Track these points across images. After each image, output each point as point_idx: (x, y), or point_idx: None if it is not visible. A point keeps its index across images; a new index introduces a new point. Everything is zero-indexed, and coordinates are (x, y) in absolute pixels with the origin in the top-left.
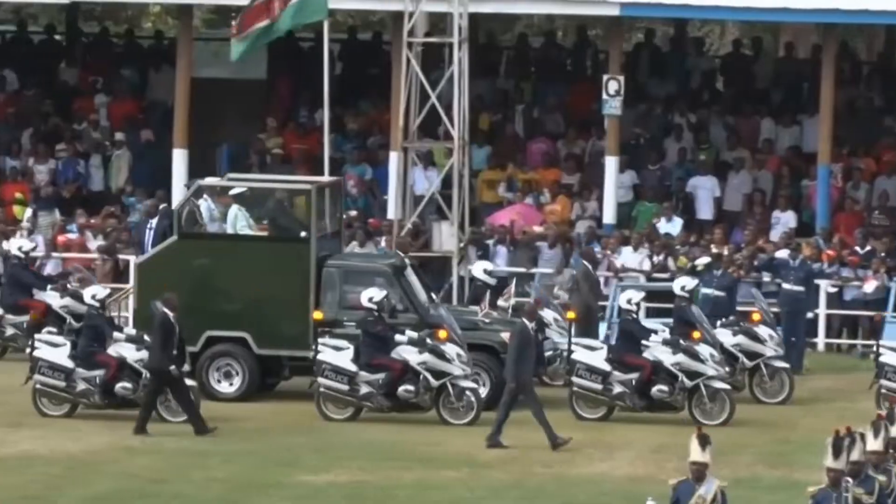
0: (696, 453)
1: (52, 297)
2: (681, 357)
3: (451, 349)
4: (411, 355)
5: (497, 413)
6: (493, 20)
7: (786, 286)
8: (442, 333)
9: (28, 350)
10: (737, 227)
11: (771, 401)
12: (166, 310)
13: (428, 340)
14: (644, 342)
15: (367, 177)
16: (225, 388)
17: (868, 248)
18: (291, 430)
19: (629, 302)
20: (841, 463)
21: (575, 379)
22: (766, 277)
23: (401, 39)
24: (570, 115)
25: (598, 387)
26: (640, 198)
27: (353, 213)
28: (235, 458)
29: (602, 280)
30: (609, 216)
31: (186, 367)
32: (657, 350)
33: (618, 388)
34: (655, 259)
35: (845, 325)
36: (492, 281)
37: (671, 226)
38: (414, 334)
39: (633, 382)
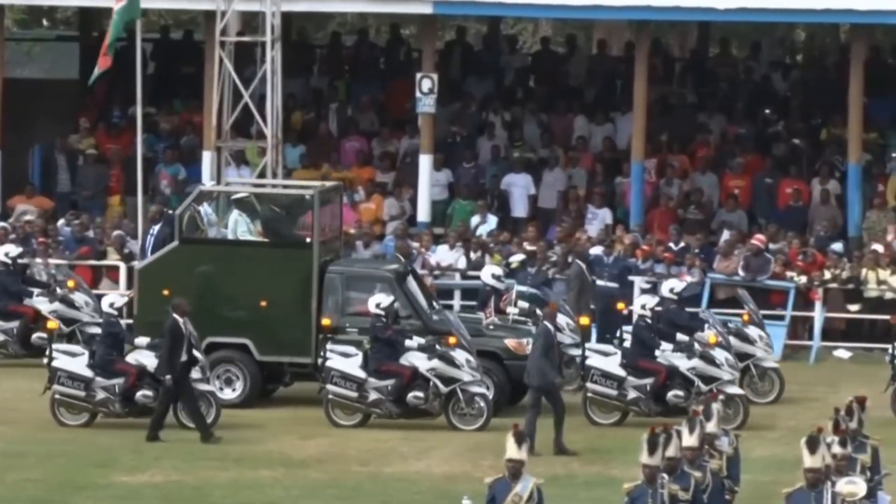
0: (512, 451)
1: (41, 303)
2: (696, 362)
3: (460, 355)
4: (420, 361)
5: (526, 418)
6: (306, 19)
7: (600, 283)
8: (451, 339)
9: (46, 360)
10: (552, 224)
11: (761, 401)
12: (176, 315)
13: (437, 346)
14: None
15: (180, 176)
16: (226, 394)
17: (682, 244)
18: (107, 431)
19: (643, 307)
20: (656, 459)
21: (590, 384)
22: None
23: (213, 38)
24: (384, 114)
25: (613, 392)
26: (455, 196)
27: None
28: (52, 458)
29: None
30: (423, 214)
31: (197, 374)
32: (672, 355)
33: (632, 394)
34: (473, 256)
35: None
36: (501, 286)
37: (486, 223)
38: (422, 340)
39: (648, 388)
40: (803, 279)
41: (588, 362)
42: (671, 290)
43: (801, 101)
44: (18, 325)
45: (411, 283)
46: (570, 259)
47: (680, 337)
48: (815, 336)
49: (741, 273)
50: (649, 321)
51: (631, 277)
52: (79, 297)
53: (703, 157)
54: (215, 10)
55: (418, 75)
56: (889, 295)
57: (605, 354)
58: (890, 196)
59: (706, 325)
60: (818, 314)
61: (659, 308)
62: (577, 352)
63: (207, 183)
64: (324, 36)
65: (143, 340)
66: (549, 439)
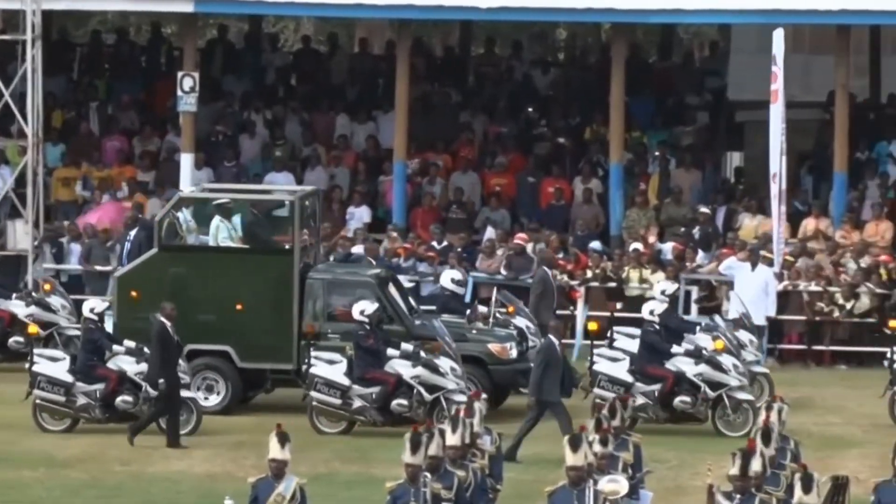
0: (274, 450)
1: (17, 306)
2: (703, 368)
3: (444, 363)
4: (405, 369)
5: (519, 428)
6: (67, 17)
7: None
8: (435, 346)
9: (27, 365)
10: None
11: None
12: (163, 319)
13: (421, 354)
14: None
15: None
16: (208, 401)
17: (445, 243)
18: None
19: (651, 313)
20: (419, 458)
21: (597, 390)
22: None
23: None
24: (145, 112)
25: None
26: None
27: None
28: None
29: None
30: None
31: (186, 378)
32: (680, 361)
33: (640, 400)
34: None
35: None
36: (460, 290)
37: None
38: (408, 347)
39: (656, 394)
40: (565, 278)
41: (595, 367)
42: (662, 293)
43: (563, 100)
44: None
45: (393, 288)
46: (535, 264)
47: (687, 343)
48: (577, 334)
49: (503, 272)
50: (657, 326)
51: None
52: (55, 300)
53: (465, 157)
54: None
55: (179, 74)
56: (650, 293)
57: (614, 360)
58: (651, 195)
59: (697, 329)
60: (580, 313)
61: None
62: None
63: (186, 189)
64: (84, 34)
65: (121, 347)
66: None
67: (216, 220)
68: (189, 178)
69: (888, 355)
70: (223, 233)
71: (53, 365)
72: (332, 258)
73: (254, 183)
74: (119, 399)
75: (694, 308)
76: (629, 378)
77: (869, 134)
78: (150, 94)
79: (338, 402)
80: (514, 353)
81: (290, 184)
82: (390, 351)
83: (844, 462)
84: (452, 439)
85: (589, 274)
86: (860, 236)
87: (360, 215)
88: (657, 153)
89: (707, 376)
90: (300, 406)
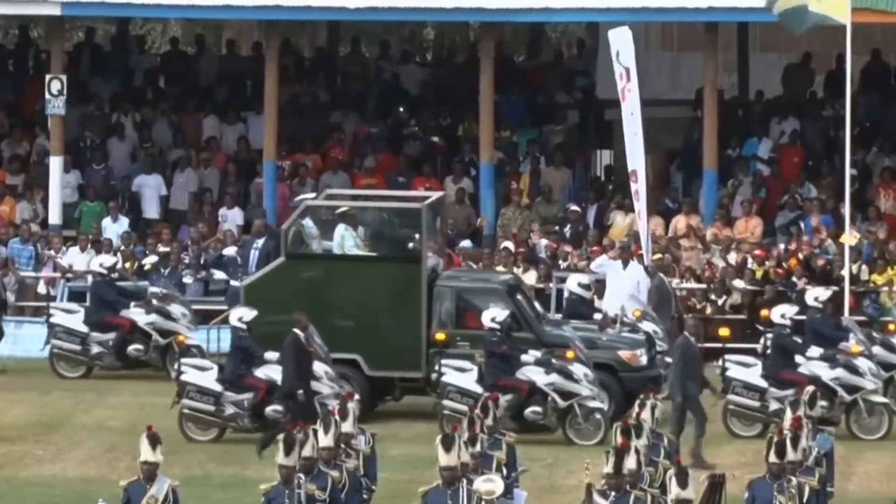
0: (146, 453)
1: (138, 314)
2: (839, 372)
3: (578, 369)
4: (538, 376)
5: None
6: None
7: (235, 284)
8: (569, 353)
9: (174, 374)
10: (184, 225)
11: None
12: (296, 330)
13: (554, 360)
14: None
15: None
16: None
17: None
18: None
19: (782, 316)
20: (292, 459)
21: (731, 396)
22: (219, 275)
23: None
24: (14, 116)
25: (756, 403)
26: (85, 197)
27: None
28: None
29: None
30: (55, 217)
31: (326, 388)
32: (814, 365)
33: (774, 405)
34: (109, 259)
35: None
36: (587, 294)
37: (117, 225)
38: (538, 354)
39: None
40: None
41: (729, 373)
42: (816, 299)
43: (434, 100)
44: (115, 337)
45: (520, 295)
46: (650, 270)
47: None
48: None
49: None
50: (790, 330)
51: None
52: (175, 309)
53: (335, 157)
54: None
55: (48, 77)
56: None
57: (746, 366)
58: (523, 193)
59: (850, 335)
60: None
61: (801, 317)
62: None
63: (308, 196)
64: None
65: (272, 355)
66: (690, 457)
67: (341, 227)
68: (58, 181)
69: (720, 363)
70: (349, 241)
71: (202, 374)
72: (202, 261)
73: (123, 186)
74: (269, 409)
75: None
76: (763, 383)
77: (739, 131)
78: (19, 96)
79: None
80: (644, 360)
81: (160, 186)
82: (524, 357)
83: (720, 459)
84: (325, 440)
85: None
86: (731, 233)
87: (232, 217)
88: (527, 152)
89: (843, 380)
90: (429, 414)
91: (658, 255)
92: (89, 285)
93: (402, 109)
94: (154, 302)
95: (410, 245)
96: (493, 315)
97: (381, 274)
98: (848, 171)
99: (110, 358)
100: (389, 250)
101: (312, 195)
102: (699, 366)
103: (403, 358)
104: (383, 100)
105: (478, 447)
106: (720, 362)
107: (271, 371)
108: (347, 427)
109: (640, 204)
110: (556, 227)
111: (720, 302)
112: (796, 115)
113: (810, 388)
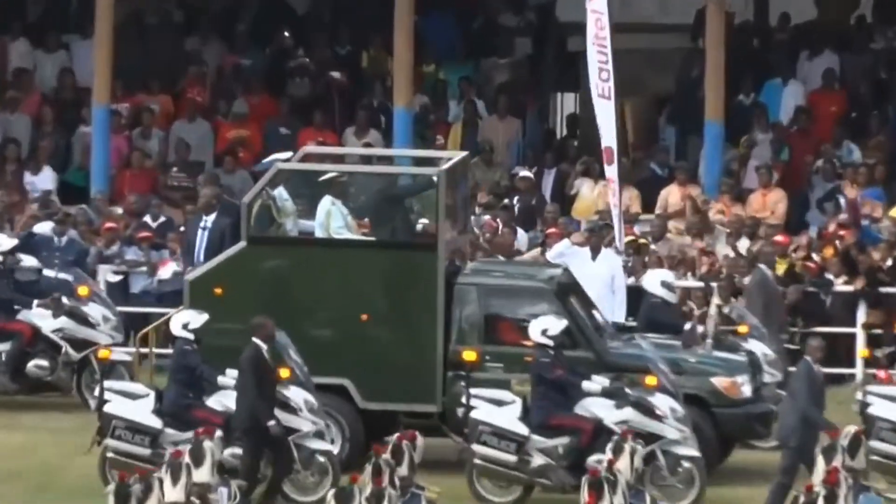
0: None
1: (42, 318)
2: None
3: (662, 402)
4: (606, 411)
5: (771, 489)
6: None
7: (48, 273)
8: (650, 380)
9: (94, 404)
10: None
11: None
12: (258, 341)
13: (628, 390)
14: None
15: None
16: None
17: (163, 219)
18: None
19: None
20: None
21: (875, 442)
22: (27, 261)
23: None
24: None
25: None
26: None
27: None
28: None
29: None
30: None
31: (307, 424)
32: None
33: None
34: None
35: (133, 327)
36: (672, 297)
37: None
38: (605, 381)
39: None
40: None
41: (871, 410)
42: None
43: (330, 21)
44: (10, 349)
45: (575, 298)
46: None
47: None
48: None
49: None
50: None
51: (97, 266)
52: (94, 310)
53: (192, 99)
54: None
55: None
56: None
57: (893, 399)
58: (452, 149)
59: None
60: None
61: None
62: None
63: (281, 156)
64: None
65: (228, 378)
66: None
67: (326, 201)
68: None
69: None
70: (337, 220)
71: (133, 405)
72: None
73: None
74: (227, 452)
75: None
76: None
77: (755, 69)
78: None
79: (512, 458)
80: (746, 391)
81: None
82: (586, 385)
83: None
84: (173, 494)
85: None
86: (742, 211)
87: (43, 182)
88: (460, 94)
89: None
90: (450, 464)
91: (631, 238)
92: None
93: (286, 34)
94: (65, 301)
95: (421, 226)
96: (546, 326)
97: (382, 267)
98: None
99: (3, 379)
100: (393, 233)
101: (287, 154)
102: (822, 402)
103: (411, 385)
104: (260, 20)
105: (385, 501)
106: (858, 394)
107: (228, 399)
108: (203, 476)
109: (612, 169)
110: (500, 200)
111: (726, 309)
112: (835, 47)
113: (851, 429)
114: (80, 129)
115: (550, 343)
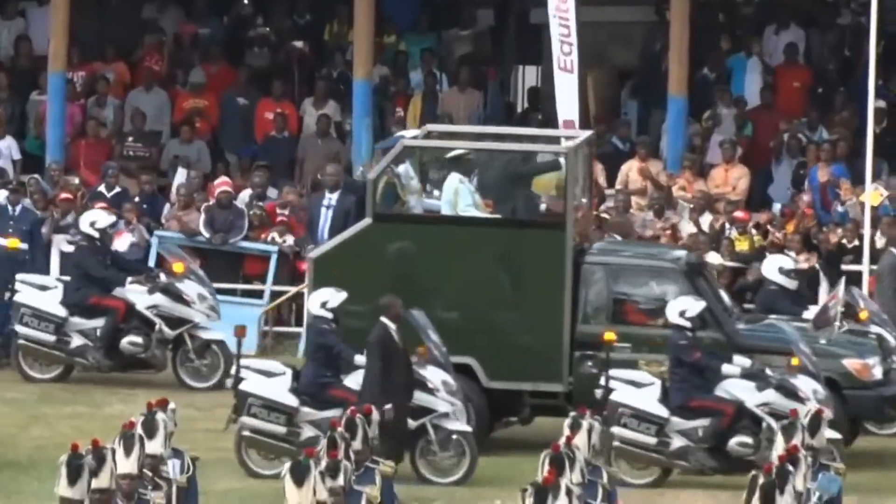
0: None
1: (137, 294)
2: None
3: (805, 384)
4: (748, 394)
5: None
6: None
7: (2, 242)
8: (794, 360)
9: (231, 381)
10: None
11: None
12: (386, 321)
13: (769, 372)
14: None
15: None
16: None
17: (118, 189)
18: None
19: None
20: (79, 491)
21: None
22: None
23: None
24: None
25: None
26: None
27: None
28: None
29: None
30: None
31: (445, 405)
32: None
33: None
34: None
35: None
36: (791, 284)
37: None
38: (746, 363)
39: None
40: (290, 240)
41: None
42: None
43: None
44: (104, 325)
45: (702, 279)
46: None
47: None
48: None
49: (204, 232)
50: None
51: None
52: (189, 287)
53: (149, 68)
54: None
55: None
56: None
57: None
58: (411, 122)
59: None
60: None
61: None
62: None
63: (407, 133)
64: None
65: (362, 358)
66: None
67: (454, 179)
68: None
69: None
70: (465, 197)
71: (269, 382)
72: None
73: None
74: None
75: None
76: None
77: (718, 43)
78: None
79: (652, 440)
80: (878, 373)
81: None
82: (726, 368)
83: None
84: (126, 465)
85: None
86: (705, 186)
87: (4, 150)
88: (421, 66)
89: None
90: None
91: (602, 213)
92: (71, 253)
93: (245, 2)
94: (161, 278)
95: (544, 206)
96: (684, 307)
97: (509, 245)
98: (871, 103)
99: (97, 355)
100: (516, 212)
101: (414, 132)
102: None
103: (537, 364)
104: None
105: (340, 480)
106: None
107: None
108: (155, 447)
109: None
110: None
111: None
112: (802, 23)
113: (810, 408)
114: (33, 97)
115: (688, 325)
